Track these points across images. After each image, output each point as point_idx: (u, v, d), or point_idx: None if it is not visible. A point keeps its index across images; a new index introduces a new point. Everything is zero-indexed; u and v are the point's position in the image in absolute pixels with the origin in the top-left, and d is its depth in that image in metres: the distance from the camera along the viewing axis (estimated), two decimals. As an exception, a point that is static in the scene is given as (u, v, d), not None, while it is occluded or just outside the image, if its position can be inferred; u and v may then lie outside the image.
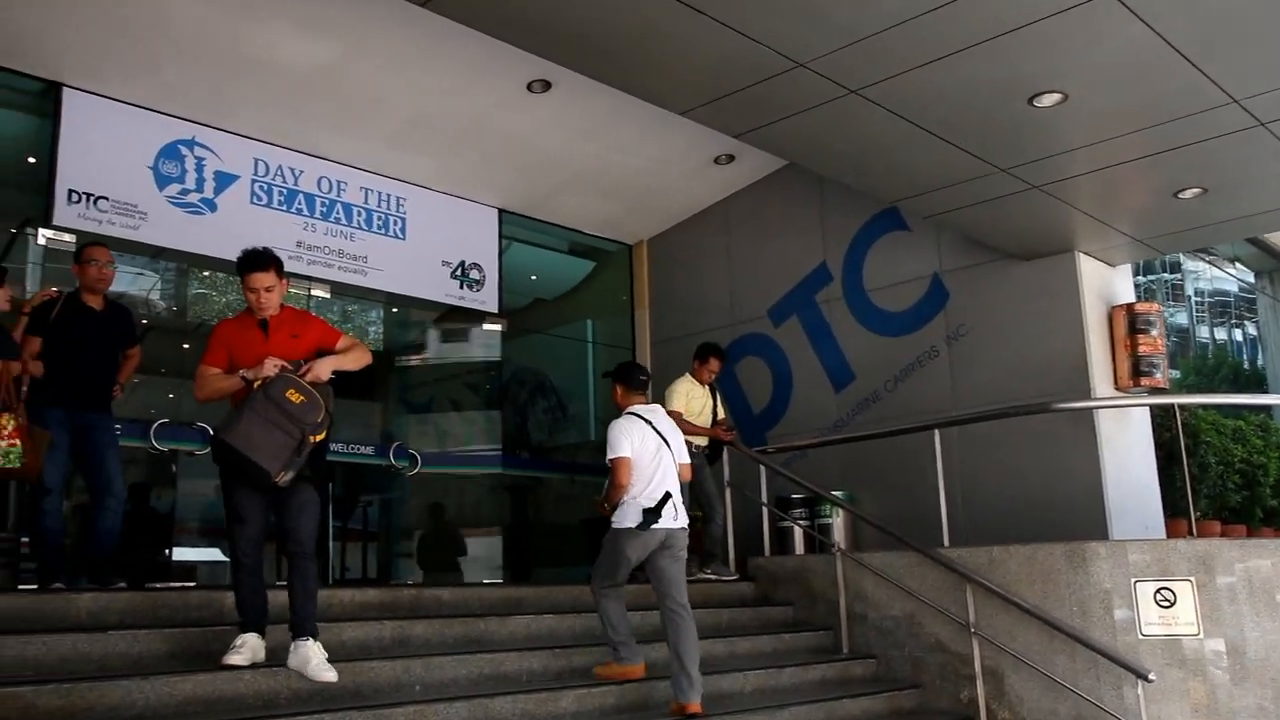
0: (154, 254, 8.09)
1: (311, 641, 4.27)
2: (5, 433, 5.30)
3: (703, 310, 10.17)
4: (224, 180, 7.97)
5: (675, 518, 5.68)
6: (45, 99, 7.30)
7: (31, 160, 7.41)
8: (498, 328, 10.06)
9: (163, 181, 7.63)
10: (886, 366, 8.96)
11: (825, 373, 9.34)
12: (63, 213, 7.20)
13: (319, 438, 4.23)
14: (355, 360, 4.75)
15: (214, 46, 7.09)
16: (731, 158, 9.20)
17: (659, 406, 6.29)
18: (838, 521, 7.79)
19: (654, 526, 5.51)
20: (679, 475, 5.86)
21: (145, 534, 8.35)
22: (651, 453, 5.73)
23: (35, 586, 5.64)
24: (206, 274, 9.03)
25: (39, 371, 5.57)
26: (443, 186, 9.30)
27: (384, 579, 9.62)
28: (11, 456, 5.28)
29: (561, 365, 11.08)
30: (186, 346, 9.31)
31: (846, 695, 6.50)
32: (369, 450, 9.19)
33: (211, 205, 7.89)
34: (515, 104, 8.04)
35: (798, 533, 8.20)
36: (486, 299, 9.59)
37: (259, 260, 4.39)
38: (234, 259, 8.02)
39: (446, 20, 5.21)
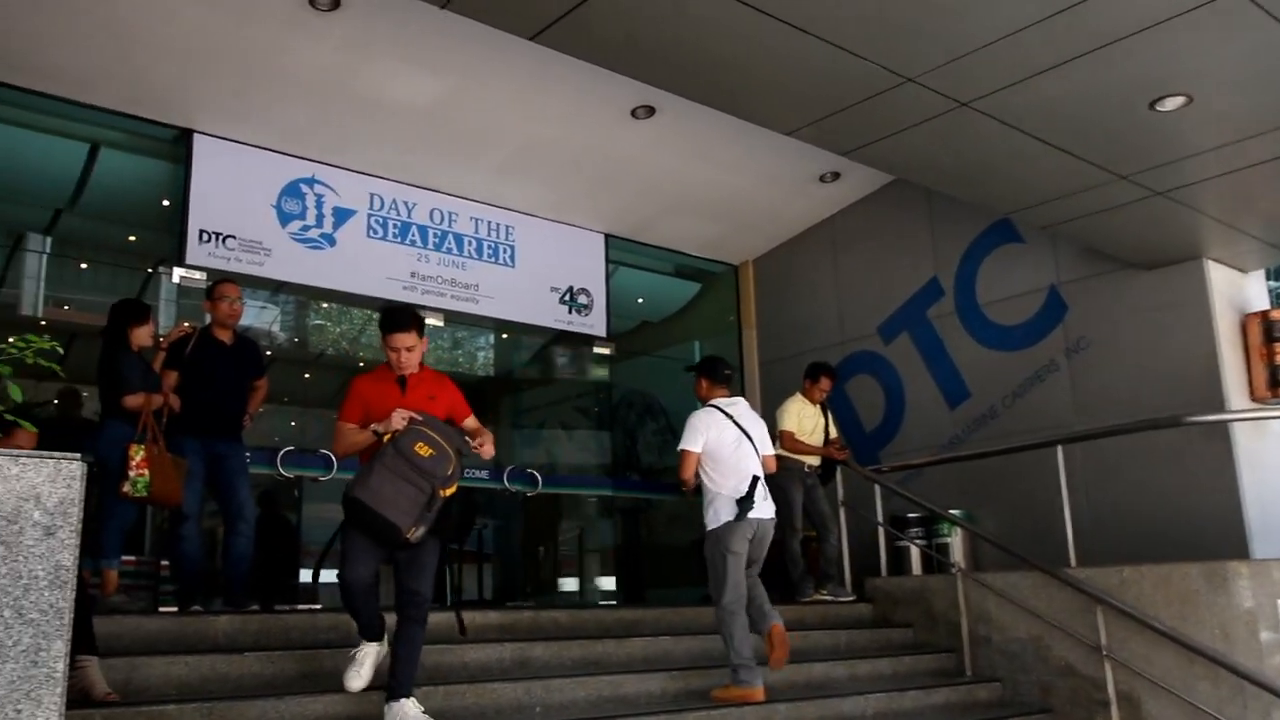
0: (276, 288, 8.38)
1: (409, 700, 4.19)
2: (134, 463, 5.56)
3: (811, 329, 10.16)
4: (342, 215, 8.20)
5: (765, 506, 5.81)
6: (178, 145, 7.62)
7: (165, 203, 7.73)
8: (606, 351, 10.14)
9: (285, 219, 7.89)
10: (1003, 382, 8.83)
11: (939, 390, 9.26)
12: (194, 252, 7.49)
13: (449, 491, 4.13)
14: (491, 447, 4.63)
15: (332, 89, 7.35)
16: (837, 175, 9.15)
17: (741, 399, 6.34)
18: (956, 541, 7.72)
19: (750, 515, 5.63)
20: (764, 466, 5.92)
21: (273, 558, 8.64)
22: (731, 444, 5.84)
23: (175, 609, 5.89)
24: (325, 305, 9.27)
25: (177, 405, 5.82)
26: (550, 214, 9.43)
27: (500, 601, 9.72)
28: (139, 485, 5.54)
29: (669, 387, 11.14)
30: (307, 376, 9.63)
31: (971, 712, 6.47)
32: (484, 474, 9.35)
33: (331, 240, 8.13)
34: (619, 130, 8.12)
35: (915, 553, 8.15)
36: (594, 323, 9.67)
37: (402, 320, 4.37)
38: (352, 291, 8.32)
39: (550, 52, 5.27)
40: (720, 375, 6.27)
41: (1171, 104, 5.51)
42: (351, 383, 3.95)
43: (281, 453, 7.93)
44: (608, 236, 9.86)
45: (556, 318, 9.45)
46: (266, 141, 7.85)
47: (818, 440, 8.04)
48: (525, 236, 9.29)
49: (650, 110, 7.76)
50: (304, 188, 8.03)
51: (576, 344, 9.91)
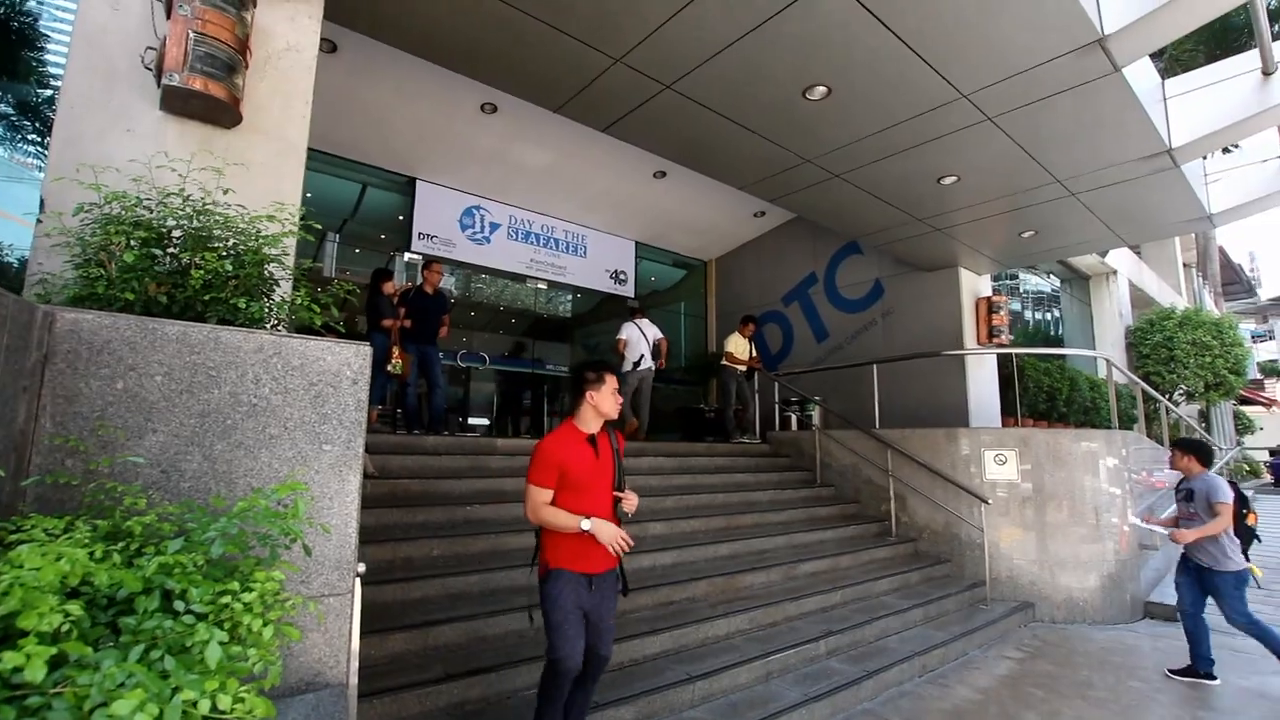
0: (456, 266, 8.48)
1: None
2: (394, 356, 5.89)
3: (745, 297, 10.19)
4: (494, 226, 8.28)
5: (648, 363, 7.47)
6: (408, 185, 7.68)
7: (400, 218, 7.81)
8: (635, 305, 10.23)
9: (463, 228, 8.01)
10: (847, 330, 8.93)
11: (812, 333, 9.34)
12: (416, 244, 7.66)
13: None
14: (633, 501, 2.65)
15: (491, 156, 7.36)
16: (764, 213, 9.20)
17: (648, 320, 7.77)
18: (816, 414, 7.82)
19: (640, 367, 7.39)
20: (657, 348, 7.65)
21: (454, 409, 9.01)
22: (638, 337, 7.52)
23: (404, 431, 6.20)
24: (484, 276, 9.37)
25: (409, 324, 6.09)
26: (605, 229, 9.43)
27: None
28: (398, 366, 5.86)
29: (668, 325, 11.35)
30: (472, 314, 9.83)
31: (819, 504, 6.67)
32: (565, 370, 9.68)
33: (488, 240, 8.24)
34: (646, 185, 8.16)
35: (794, 419, 8.24)
36: (629, 290, 9.72)
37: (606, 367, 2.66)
38: (499, 268, 8.23)
39: (607, 138, 5.13)
40: (632, 309, 7.99)
41: (949, 180, 5.59)
42: (539, 447, 2.45)
43: (459, 353, 8.25)
44: (637, 243, 9.89)
45: (607, 285, 9.55)
46: (456, 185, 7.92)
47: (746, 358, 8.15)
48: (592, 241, 9.33)
49: (663, 173, 7.85)
50: (474, 211, 8.11)
51: (617, 301, 10.01)
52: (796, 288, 9.61)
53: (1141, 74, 4.54)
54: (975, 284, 8.13)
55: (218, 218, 2.10)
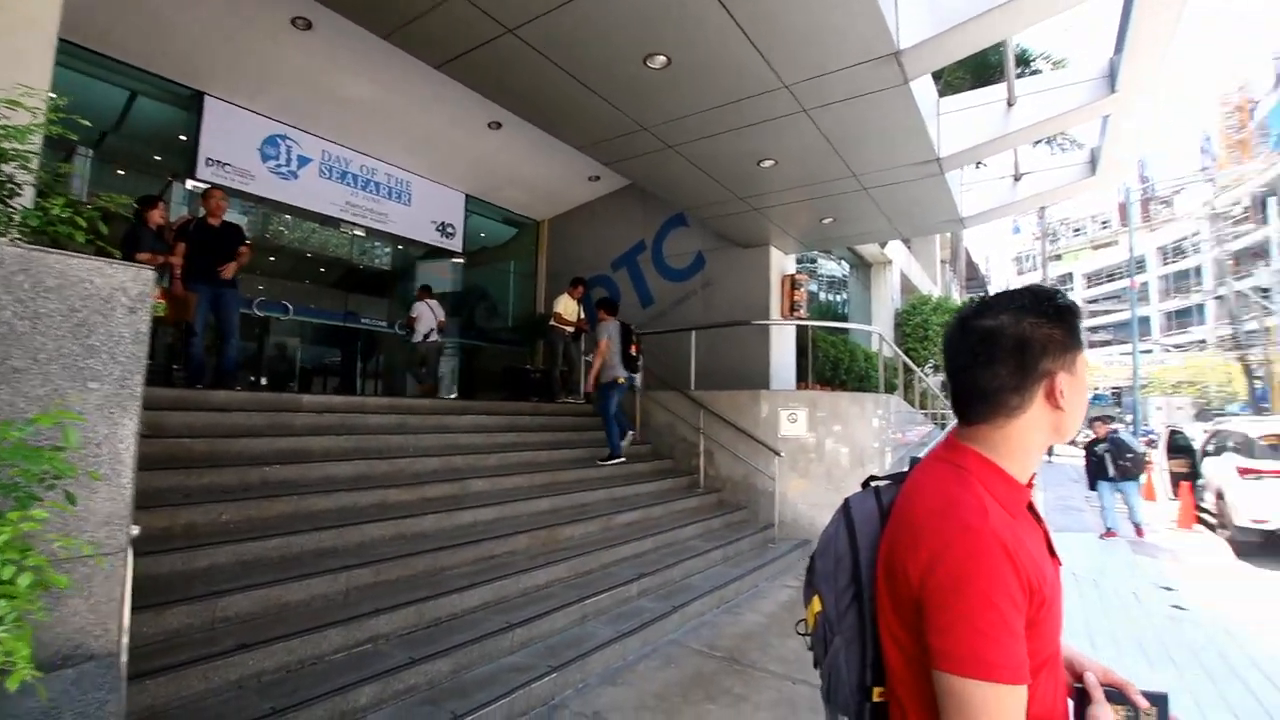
0: (255, 201, 7.43)
1: None
2: (156, 295, 5.05)
3: (576, 260, 10.15)
4: (303, 161, 7.38)
5: (435, 335, 7.74)
6: (193, 100, 6.59)
7: (182, 138, 6.68)
8: (461, 261, 9.81)
9: (265, 158, 7.02)
10: (671, 297, 9.27)
11: (638, 298, 9.58)
12: (202, 171, 6.61)
13: None
14: None
15: (305, 78, 6.53)
16: (598, 177, 9.17)
17: (436, 303, 7.91)
18: (639, 375, 8.11)
19: (430, 338, 7.69)
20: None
21: (248, 363, 8.01)
22: (427, 314, 7.70)
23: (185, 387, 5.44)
24: (288, 216, 8.33)
25: (178, 263, 5.26)
26: (433, 177, 8.89)
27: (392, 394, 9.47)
28: (159, 308, 5.05)
29: (497, 284, 11.03)
30: (273, 259, 8.76)
31: (638, 460, 7.01)
32: (384, 325, 9.04)
33: (295, 175, 7.31)
34: (480, 135, 7.78)
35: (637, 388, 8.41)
36: (456, 244, 9.27)
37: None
38: (307, 208, 7.51)
39: (440, 77, 4.73)
40: (425, 290, 7.90)
41: (768, 164, 5.96)
42: (974, 551, 0.74)
43: (255, 300, 7.32)
44: (467, 195, 9.43)
45: (433, 238, 9.03)
46: (256, 107, 6.91)
47: (574, 319, 8.18)
48: (418, 189, 8.72)
49: (499, 124, 7.52)
50: (279, 140, 7.13)
51: (443, 254, 9.48)
52: (626, 254, 9.79)
53: (925, 90, 5.25)
54: (782, 262, 8.87)
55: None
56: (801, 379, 8.95)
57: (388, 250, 10.07)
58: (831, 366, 9.51)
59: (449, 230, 9.18)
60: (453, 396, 9.18)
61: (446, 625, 3.45)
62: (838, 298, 12.86)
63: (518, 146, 8.05)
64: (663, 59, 4.35)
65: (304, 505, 3.99)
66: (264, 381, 8.10)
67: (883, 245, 12.79)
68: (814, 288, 12.00)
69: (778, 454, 6.52)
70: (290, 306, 7.65)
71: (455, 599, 3.61)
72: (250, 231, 7.97)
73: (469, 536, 4.31)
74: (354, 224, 8.01)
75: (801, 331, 9.08)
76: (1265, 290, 26.14)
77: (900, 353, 9.58)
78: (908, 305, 13.71)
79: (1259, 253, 28.76)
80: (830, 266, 12.82)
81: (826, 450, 6.66)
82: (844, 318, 12.45)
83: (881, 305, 13.57)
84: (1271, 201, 27.31)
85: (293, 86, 6.60)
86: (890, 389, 8.84)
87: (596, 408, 6.97)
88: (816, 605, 0.96)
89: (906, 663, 0.82)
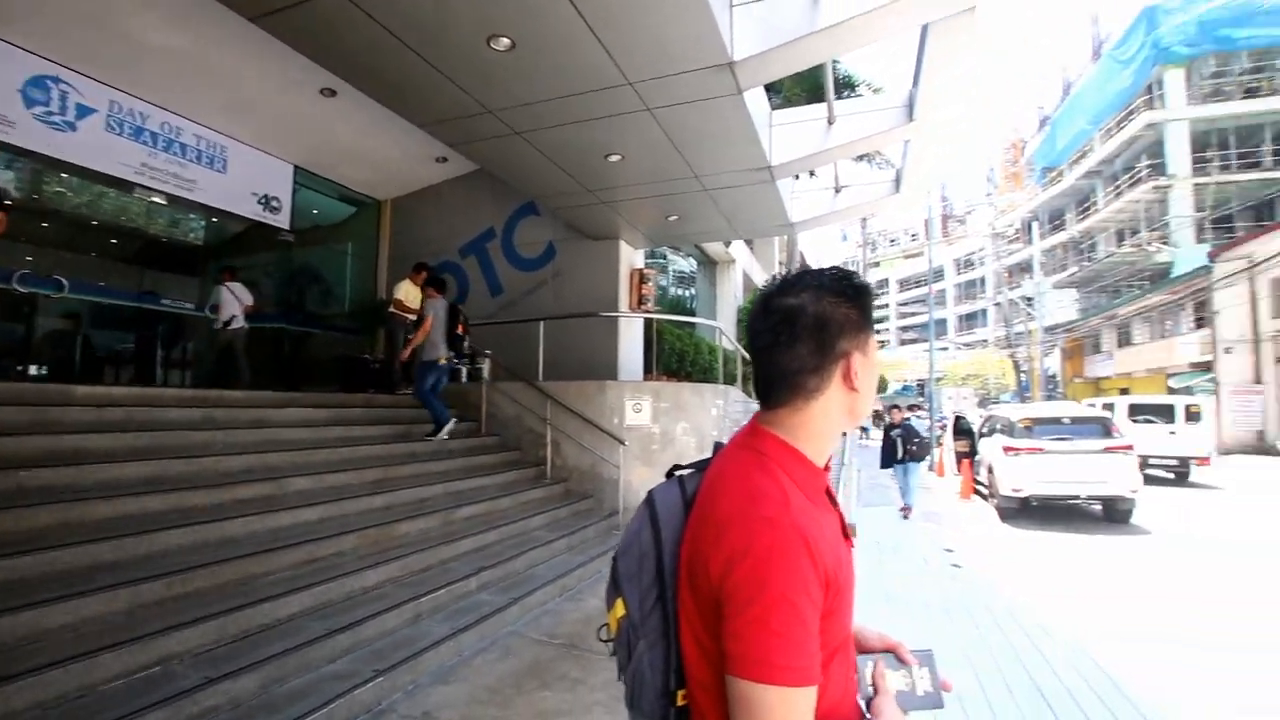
0: (16, 154, 6.16)
1: None
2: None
3: (420, 245, 9.64)
4: (83, 111, 6.14)
5: (239, 321, 7.00)
6: None
7: None
8: (290, 239, 8.89)
9: (30, 103, 5.74)
10: (521, 287, 9.11)
11: (487, 287, 9.34)
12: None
13: None
14: None
15: (88, 11, 5.44)
16: (446, 159, 8.72)
17: (240, 285, 7.15)
18: (487, 366, 7.92)
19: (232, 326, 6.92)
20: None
21: (9, 349, 6.71)
22: (229, 299, 6.94)
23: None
24: (64, 175, 7.05)
25: None
26: (256, 144, 7.89)
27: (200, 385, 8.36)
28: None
29: (332, 266, 10.15)
30: (45, 225, 7.38)
31: (483, 452, 6.88)
32: (191, 308, 8.01)
33: (72, 126, 6.07)
34: (312, 100, 7.01)
35: (464, 372, 8.18)
36: (282, 220, 8.31)
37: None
38: (90, 167, 6.41)
39: (268, 37, 4.29)
40: (229, 270, 7.18)
41: (615, 158, 6.02)
42: (774, 542, 0.74)
43: (17, 274, 6.12)
44: (296, 167, 8.49)
45: (253, 212, 8.00)
46: (15, 39, 5.64)
47: (416, 307, 7.64)
48: (236, 155, 7.66)
49: (334, 92, 6.85)
50: (49, 83, 5.88)
51: (268, 231, 8.52)
52: (475, 240, 9.50)
53: (758, 101, 5.61)
54: (631, 256, 9.05)
55: None
56: (649, 371, 9.22)
57: (201, 223, 8.90)
58: (678, 359, 9.89)
59: (274, 204, 8.24)
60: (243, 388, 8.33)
61: (256, 638, 3.15)
62: (687, 293, 13.41)
63: (356, 119, 7.43)
64: (507, 40, 4.24)
65: (75, 514, 3.42)
66: (37, 371, 6.80)
67: (727, 245, 13.51)
68: (665, 282, 12.41)
69: (622, 443, 6.68)
70: (65, 283, 6.43)
71: (268, 608, 3.30)
72: (17, 191, 6.65)
73: (288, 539, 3.95)
74: (151, 189, 6.90)
75: (649, 324, 9.35)
76: (1029, 299, 31.26)
77: (740, 347, 10.21)
78: (748, 301, 14.66)
79: (1025, 267, 34.43)
80: (680, 263, 13.34)
81: (670, 439, 6.94)
82: (692, 312, 13.02)
83: (726, 302, 14.36)
84: (1034, 226, 32.72)
85: (70, 18, 5.53)
86: (730, 380, 9.40)
87: (415, 389, 6.74)
88: (620, 609, 0.93)
89: (709, 665, 0.79)
